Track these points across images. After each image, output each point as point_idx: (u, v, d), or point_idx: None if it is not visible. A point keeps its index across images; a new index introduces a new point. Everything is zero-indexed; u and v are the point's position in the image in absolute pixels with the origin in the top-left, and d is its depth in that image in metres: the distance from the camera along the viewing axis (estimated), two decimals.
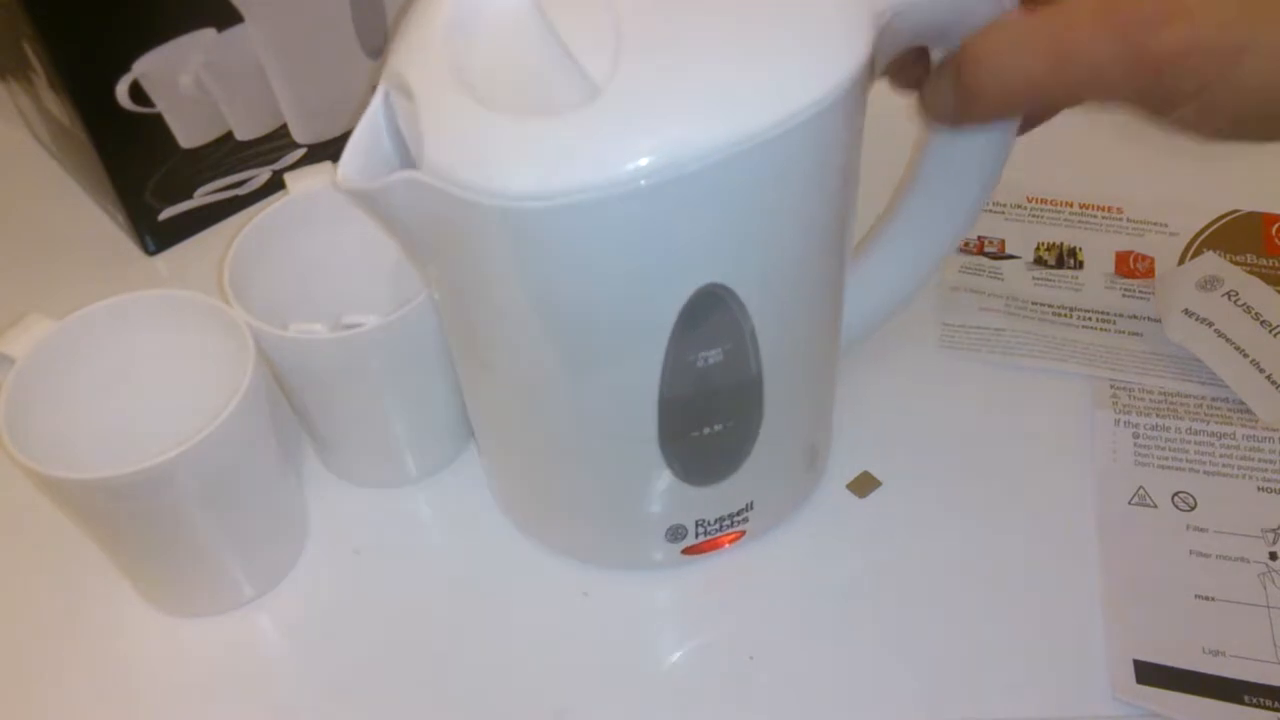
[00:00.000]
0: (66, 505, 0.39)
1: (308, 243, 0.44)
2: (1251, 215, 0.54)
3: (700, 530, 0.42)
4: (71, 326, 0.41)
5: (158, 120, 0.53)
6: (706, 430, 0.38)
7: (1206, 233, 0.53)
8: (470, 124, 0.31)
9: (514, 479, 0.44)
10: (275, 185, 0.59)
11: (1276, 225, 0.53)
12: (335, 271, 0.45)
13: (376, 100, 0.34)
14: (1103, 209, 0.55)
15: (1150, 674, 0.39)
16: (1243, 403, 0.46)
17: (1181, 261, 0.52)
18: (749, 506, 0.42)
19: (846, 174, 0.34)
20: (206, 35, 0.51)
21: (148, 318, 0.42)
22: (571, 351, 0.35)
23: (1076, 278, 0.52)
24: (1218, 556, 0.42)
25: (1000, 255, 0.53)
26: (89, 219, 0.59)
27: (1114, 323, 0.50)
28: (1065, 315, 0.51)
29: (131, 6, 0.49)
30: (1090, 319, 0.50)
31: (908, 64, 0.40)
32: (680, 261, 0.33)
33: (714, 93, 0.30)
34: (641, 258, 0.32)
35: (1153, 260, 0.53)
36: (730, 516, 0.42)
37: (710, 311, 0.34)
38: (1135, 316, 0.50)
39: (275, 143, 0.57)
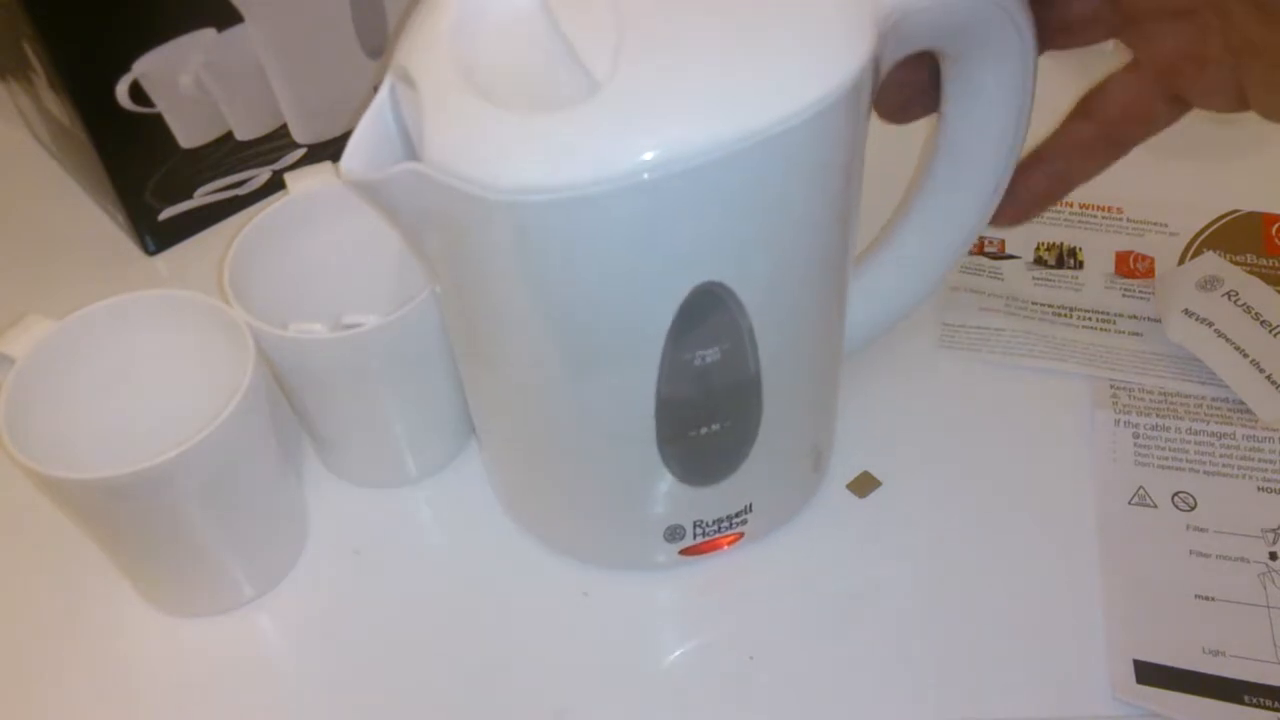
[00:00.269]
0: (66, 505, 0.39)
1: (308, 243, 0.44)
2: (1251, 215, 0.54)
3: (698, 531, 0.42)
4: (71, 326, 0.41)
5: (158, 120, 0.53)
6: (704, 430, 0.38)
7: (1206, 233, 0.53)
8: (471, 117, 0.31)
9: (514, 476, 0.44)
10: (275, 185, 0.59)
11: (1276, 225, 0.53)
12: (335, 271, 0.45)
13: (383, 92, 0.34)
14: (1103, 209, 0.55)
15: (1150, 674, 0.39)
16: (1243, 403, 0.46)
17: (1181, 261, 0.52)
18: (748, 509, 0.42)
19: (849, 175, 0.34)
20: (206, 35, 0.51)
21: (148, 318, 0.42)
22: (568, 347, 0.35)
23: (1076, 278, 0.52)
24: (1218, 556, 0.42)
25: (1000, 255, 0.53)
26: (89, 219, 0.59)
27: (1114, 323, 0.50)
28: (1065, 315, 0.51)
29: (131, 6, 0.49)
30: (1090, 319, 0.50)
31: (917, 90, 0.40)
32: (678, 259, 0.33)
33: (714, 90, 0.30)
34: (639, 254, 0.32)
35: (1153, 260, 0.53)
36: (729, 518, 0.42)
37: (708, 310, 0.34)
38: (1135, 316, 0.50)
39: (275, 143, 0.57)
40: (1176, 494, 0.44)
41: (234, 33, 0.52)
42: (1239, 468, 0.45)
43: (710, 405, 0.37)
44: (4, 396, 0.38)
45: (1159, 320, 0.49)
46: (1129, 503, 0.44)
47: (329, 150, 0.59)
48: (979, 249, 0.53)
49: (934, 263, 0.45)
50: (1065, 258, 0.53)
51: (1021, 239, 0.54)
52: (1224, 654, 0.40)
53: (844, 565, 0.43)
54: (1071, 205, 0.55)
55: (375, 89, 0.34)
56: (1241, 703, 0.39)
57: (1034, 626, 0.41)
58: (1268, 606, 0.41)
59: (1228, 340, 0.47)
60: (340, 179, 0.34)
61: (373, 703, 0.41)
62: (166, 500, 0.38)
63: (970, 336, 0.50)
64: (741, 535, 0.43)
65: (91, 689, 0.42)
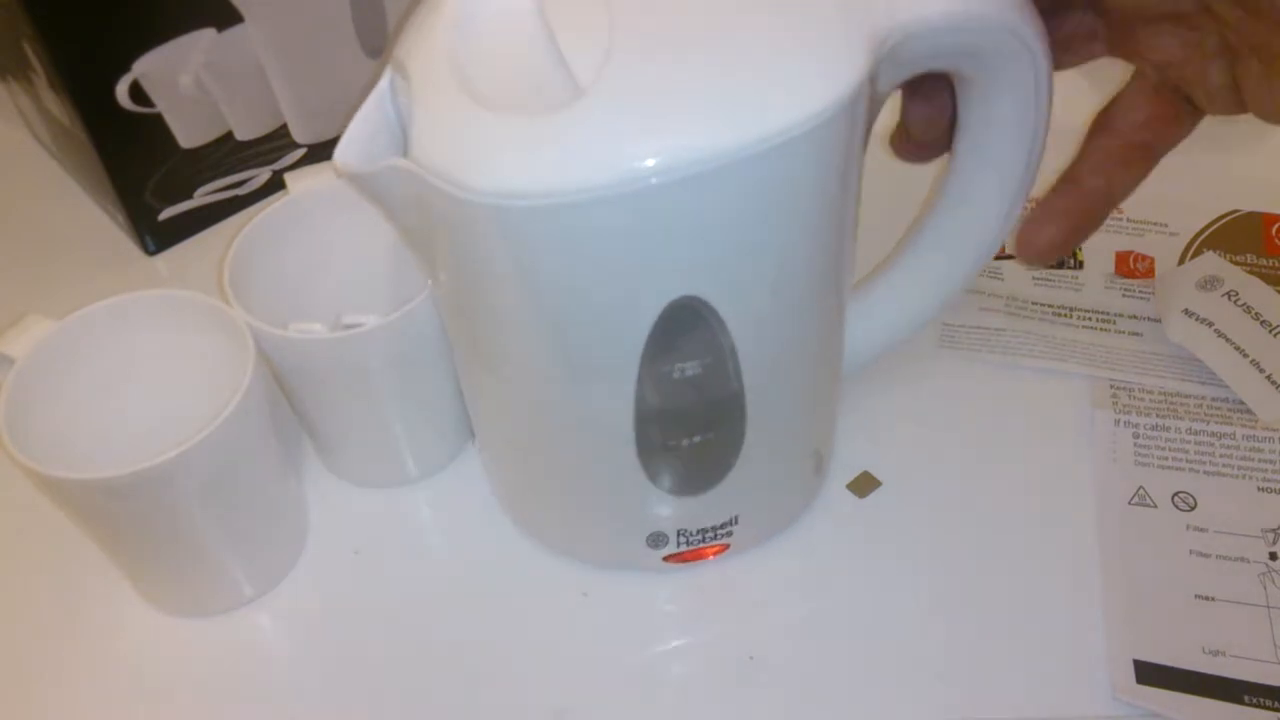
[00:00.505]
0: (66, 505, 0.39)
1: (308, 243, 0.44)
2: (1251, 215, 0.54)
3: (682, 540, 0.42)
4: (71, 326, 0.41)
5: (158, 120, 0.53)
6: (685, 442, 0.38)
7: (1206, 233, 0.53)
8: (455, 116, 0.31)
9: (507, 473, 0.44)
10: (275, 185, 0.59)
11: (1276, 225, 0.53)
12: (335, 271, 0.45)
13: (382, 83, 0.34)
14: None
15: (1150, 674, 0.39)
16: (1243, 403, 0.46)
17: (1181, 261, 0.52)
18: (733, 521, 0.41)
19: (839, 195, 0.34)
20: (206, 35, 0.51)
21: (148, 318, 0.42)
22: (546, 349, 0.35)
23: (1076, 278, 0.52)
24: (1218, 556, 0.42)
25: (1000, 255, 0.53)
26: (89, 219, 0.59)
27: (1114, 323, 0.50)
28: (1065, 315, 0.51)
29: (131, 6, 0.49)
30: (1090, 319, 0.50)
31: (930, 119, 0.39)
32: (653, 272, 0.32)
33: (694, 105, 0.30)
34: (612, 265, 0.32)
35: (1153, 260, 0.53)
36: (714, 529, 0.42)
37: (687, 324, 0.33)
38: (1135, 316, 0.50)
39: (275, 143, 0.57)
40: (1176, 494, 0.44)
41: (234, 33, 0.52)
42: (1239, 468, 0.45)
43: (691, 417, 0.37)
44: (4, 396, 0.38)
45: (1159, 320, 0.49)
46: (1129, 503, 0.44)
47: (329, 150, 0.58)
48: None
49: (944, 285, 0.43)
50: (1065, 258, 0.53)
51: None
52: (1224, 654, 0.40)
53: (844, 565, 0.43)
54: None
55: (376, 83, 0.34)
56: (1241, 703, 0.39)
57: (1034, 626, 0.41)
58: (1268, 606, 0.41)
59: (1228, 340, 0.47)
60: (336, 171, 0.34)
61: (372, 702, 0.41)
62: (166, 500, 0.38)
63: (970, 336, 0.50)
64: (727, 547, 0.43)
65: (91, 689, 0.42)
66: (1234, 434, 0.46)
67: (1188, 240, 0.53)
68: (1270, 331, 0.47)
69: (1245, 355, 0.47)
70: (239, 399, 0.37)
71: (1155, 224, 0.54)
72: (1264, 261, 0.52)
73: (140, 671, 0.42)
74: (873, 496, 0.45)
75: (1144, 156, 0.39)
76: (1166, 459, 0.45)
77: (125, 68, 0.50)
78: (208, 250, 0.57)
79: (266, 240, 0.43)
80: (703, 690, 0.41)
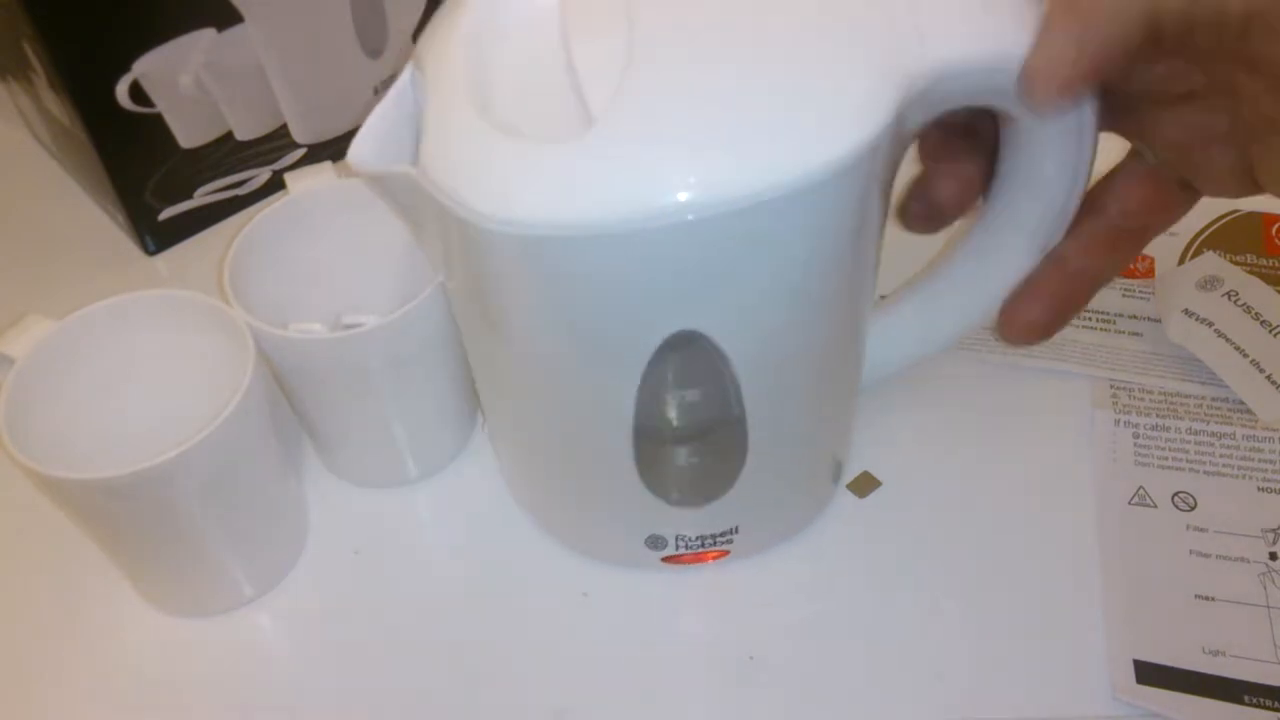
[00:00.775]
0: (66, 505, 0.39)
1: (308, 243, 0.44)
2: (1251, 215, 0.54)
3: (681, 544, 0.42)
4: (71, 326, 0.41)
5: (158, 120, 0.53)
6: (683, 461, 0.38)
7: (1206, 233, 0.53)
8: (462, 132, 0.31)
9: (510, 457, 0.44)
10: (275, 185, 0.59)
11: (1276, 225, 0.53)
12: (335, 271, 0.45)
13: (403, 80, 0.33)
14: None
15: (1150, 674, 0.39)
16: (1243, 403, 0.46)
17: (1181, 261, 0.52)
18: (733, 530, 0.41)
19: (855, 238, 0.32)
20: (206, 35, 0.51)
21: (148, 318, 0.42)
22: (542, 366, 0.35)
23: None
24: (1218, 556, 0.42)
25: None
26: (89, 219, 0.59)
27: (1114, 323, 0.50)
28: None
29: (131, 6, 0.49)
30: (1090, 319, 0.50)
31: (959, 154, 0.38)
32: (649, 308, 0.32)
33: (702, 149, 0.29)
34: (606, 299, 0.31)
35: (1153, 260, 0.53)
36: (713, 536, 0.41)
37: (685, 355, 0.33)
38: (1135, 316, 0.50)
39: (275, 143, 0.57)
40: (1176, 494, 0.44)
41: (234, 33, 0.52)
42: (1239, 468, 0.45)
43: (690, 438, 0.37)
44: (4, 396, 0.38)
45: (1159, 320, 0.49)
46: (1129, 503, 0.44)
47: (329, 150, 0.59)
48: None
49: (966, 312, 0.41)
50: None
51: None
52: (1224, 654, 0.40)
53: (844, 565, 0.43)
54: None
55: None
56: (1241, 703, 0.39)
57: (1034, 626, 0.41)
58: (1268, 606, 0.41)
59: (1228, 340, 0.47)
60: (348, 165, 0.34)
61: (373, 702, 0.41)
62: (166, 500, 0.38)
63: (970, 336, 0.50)
64: (727, 553, 0.42)
65: (91, 689, 0.42)
66: (1234, 434, 0.46)
67: (1188, 240, 0.53)
68: (1270, 331, 0.47)
69: (1245, 355, 0.47)
70: (239, 399, 0.37)
71: None
72: (1264, 261, 0.52)
73: (140, 671, 0.42)
74: (873, 496, 0.45)
75: (1134, 240, 0.37)
76: (1166, 459, 0.45)
77: (125, 68, 0.50)
78: (208, 250, 0.57)
79: (266, 240, 0.43)
80: (703, 690, 0.41)
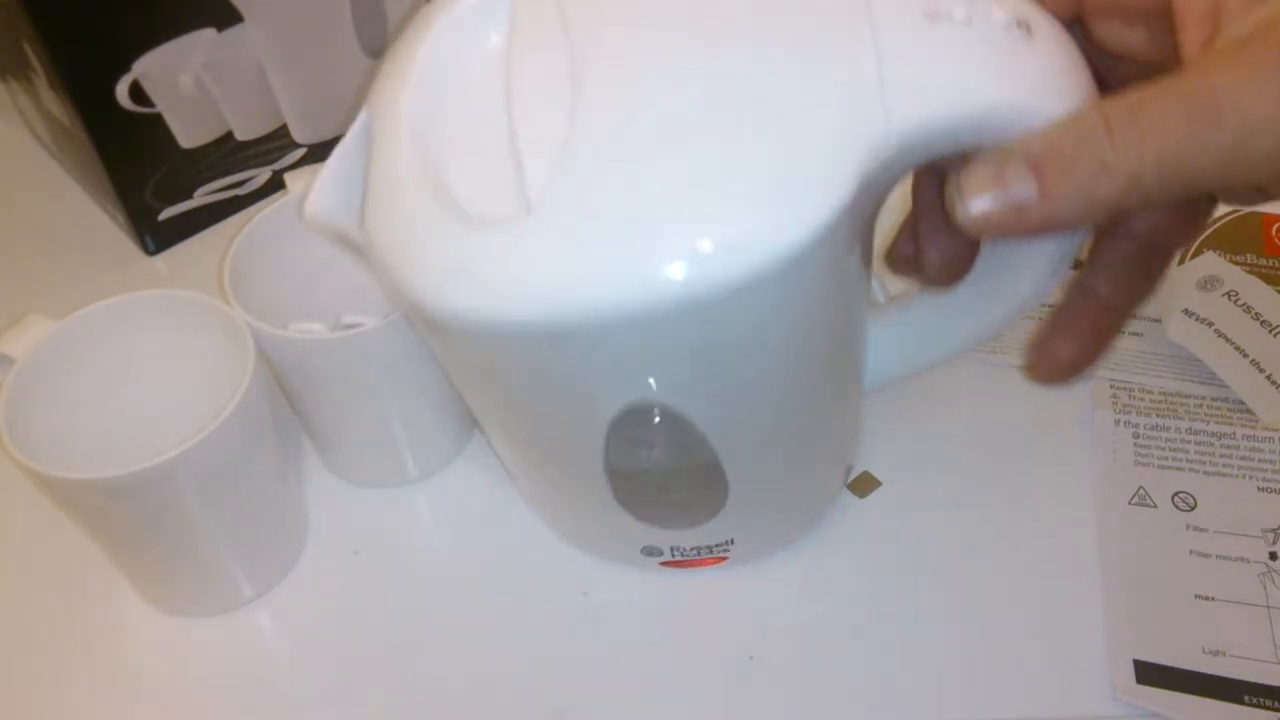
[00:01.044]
0: (66, 505, 0.39)
1: (308, 243, 0.44)
2: (1251, 215, 0.54)
3: (676, 553, 0.41)
4: (71, 326, 0.41)
5: (158, 120, 0.53)
6: (664, 498, 0.38)
7: (1206, 233, 0.53)
8: (399, 204, 0.30)
9: (507, 462, 0.44)
10: (275, 185, 0.59)
11: (1276, 225, 0.53)
12: (335, 271, 0.45)
13: (356, 129, 0.32)
14: None
15: (1150, 674, 0.39)
16: (1243, 403, 0.46)
17: (1181, 261, 0.52)
18: (729, 542, 0.41)
19: (816, 322, 0.31)
20: (206, 35, 0.51)
21: (148, 318, 0.42)
22: (505, 419, 0.35)
23: None
24: (1218, 556, 0.42)
25: None
26: (89, 219, 0.59)
27: None
28: None
29: (131, 6, 0.49)
30: None
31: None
32: (591, 390, 0.31)
33: (639, 243, 0.27)
34: (543, 381, 0.31)
35: None
36: (709, 547, 0.41)
37: (645, 421, 0.32)
38: (1135, 316, 0.50)
39: (275, 143, 0.57)
40: (1176, 494, 0.44)
41: (234, 33, 0.52)
42: (1239, 468, 0.45)
43: (666, 483, 0.37)
44: (4, 396, 0.38)
45: (1159, 320, 0.49)
46: (1129, 503, 0.44)
47: (329, 150, 0.58)
48: None
49: (976, 330, 0.39)
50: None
51: None
52: (1224, 654, 0.40)
53: (844, 565, 0.43)
54: None
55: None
56: (1241, 703, 0.39)
57: (1034, 626, 0.41)
58: (1268, 606, 0.41)
59: (1228, 340, 0.47)
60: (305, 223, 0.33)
61: (372, 703, 0.41)
62: (166, 500, 0.38)
63: None
64: (725, 559, 0.42)
65: (91, 689, 0.42)
66: (1234, 434, 0.46)
67: None
68: (1270, 331, 0.47)
69: (1245, 355, 0.47)
70: (239, 399, 0.37)
71: None
72: (1264, 261, 0.52)
73: (140, 671, 0.42)
74: (873, 496, 0.45)
75: (1162, 259, 0.34)
76: (1166, 459, 0.45)
77: (125, 68, 0.50)
78: (208, 250, 0.57)
79: (266, 240, 0.43)
80: (703, 690, 0.41)
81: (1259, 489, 0.44)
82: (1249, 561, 0.42)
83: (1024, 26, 0.28)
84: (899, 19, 0.28)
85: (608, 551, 0.43)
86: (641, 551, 0.41)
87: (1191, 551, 0.43)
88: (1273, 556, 0.42)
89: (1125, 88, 0.27)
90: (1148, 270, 0.34)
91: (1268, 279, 0.50)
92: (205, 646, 0.43)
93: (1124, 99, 0.26)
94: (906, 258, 0.37)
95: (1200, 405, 0.47)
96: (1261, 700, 0.39)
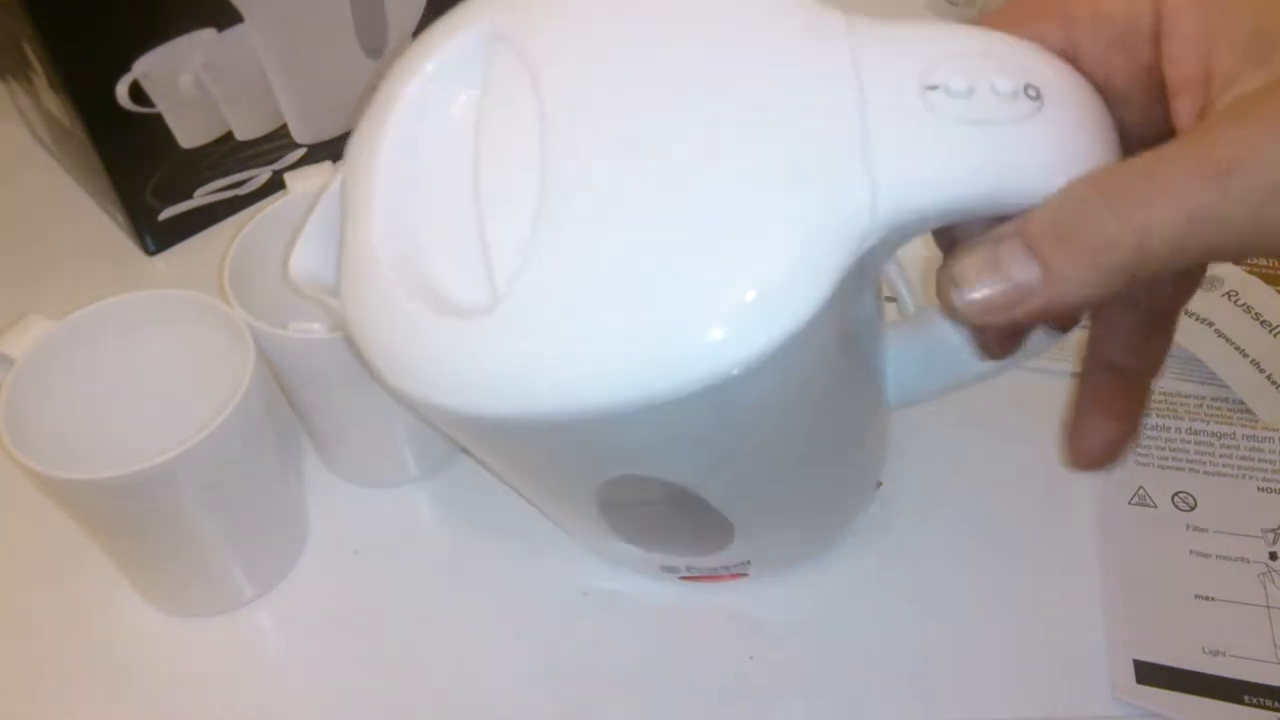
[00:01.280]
0: (66, 505, 0.39)
1: None
2: None
3: (693, 571, 0.41)
4: (71, 326, 0.41)
5: (158, 120, 0.53)
6: (667, 538, 0.37)
7: None
8: (367, 285, 0.29)
9: None
10: (275, 185, 0.59)
11: None
12: None
13: (335, 188, 0.32)
14: None
15: (1150, 674, 0.39)
16: (1243, 403, 0.46)
17: None
18: (745, 563, 0.41)
19: (807, 404, 0.30)
20: (206, 35, 0.51)
21: (148, 318, 0.42)
22: (502, 472, 0.35)
23: None
24: (1218, 556, 0.42)
25: None
26: (89, 219, 0.59)
27: None
28: None
29: (131, 6, 0.49)
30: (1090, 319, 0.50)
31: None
32: (572, 464, 0.31)
33: (606, 340, 0.26)
34: (521, 456, 0.31)
35: None
36: (725, 567, 0.41)
37: (636, 484, 0.32)
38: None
39: (275, 143, 0.57)
40: (1176, 494, 0.44)
41: (234, 33, 0.52)
42: (1239, 468, 0.45)
43: (668, 526, 0.36)
44: (4, 396, 0.38)
45: None
46: (1129, 503, 0.44)
47: (329, 150, 0.59)
48: None
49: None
50: None
51: None
52: (1224, 654, 0.40)
53: (843, 566, 0.43)
54: None
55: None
56: (1241, 703, 0.39)
57: (1034, 626, 0.41)
58: (1268, 606, 0.41)
59: (1228, 340, 0.47)
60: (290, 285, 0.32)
61: (372, 703, 0.41)
62: (166, 500, 0.38)
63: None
64: (745, 575, 0.42)
65: (91, 689, 0.42)
66: (1234, 434, 0.46)
67: None
68: (1270, 331, 0.47)
69: (1245, 355, 0.47)
70: (239, 399, 0.37)
71: None
72: (1264, 261, 0.52)
73: (140, 671, 0.42)
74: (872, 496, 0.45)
75: (1170, 321, 0.33)
76: (1166, 459, 0.45)
77: (125, 68, 0.50)
78: (208, 250, 0.57)
79: (266, 240, 0.43)
80: (703, 690, 0.41)
81: (1259, 489, 0.44)
82: (1249, 561, 0.42)
83: (1033, 93, 0.26)
84: (891, 94, 0.26)
85: (624, 564, 0.43)
86: (660, 568, 0.41)
87: (1191, 551, 0.43)
88: (1273, 556, 0.42)
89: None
90: (1160, 334, 0.33)
91: (1268, 279, 0.50)
92: (205, 646, 0.43)
93: (1124, 167, 0.25)
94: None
95: (1200, 405, 0.47)
96: (1261, 700, 0.39)
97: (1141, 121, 0.28)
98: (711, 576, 0.42)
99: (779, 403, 0.28)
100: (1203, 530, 0.43)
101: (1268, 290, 0.49)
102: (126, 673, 0.42)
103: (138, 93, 0.51)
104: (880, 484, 0.43)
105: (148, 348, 0.42)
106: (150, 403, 0.43)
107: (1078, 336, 0.50)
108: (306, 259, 0.31)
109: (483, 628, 0.42)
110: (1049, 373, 0.48)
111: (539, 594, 0.43)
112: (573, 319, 0.26)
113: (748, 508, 0.35)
